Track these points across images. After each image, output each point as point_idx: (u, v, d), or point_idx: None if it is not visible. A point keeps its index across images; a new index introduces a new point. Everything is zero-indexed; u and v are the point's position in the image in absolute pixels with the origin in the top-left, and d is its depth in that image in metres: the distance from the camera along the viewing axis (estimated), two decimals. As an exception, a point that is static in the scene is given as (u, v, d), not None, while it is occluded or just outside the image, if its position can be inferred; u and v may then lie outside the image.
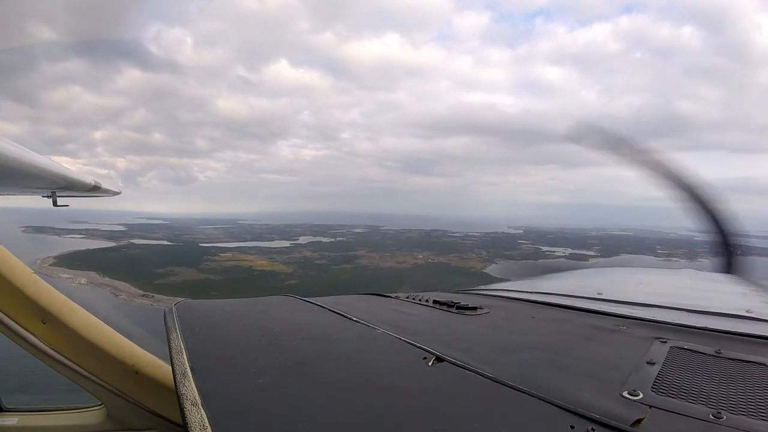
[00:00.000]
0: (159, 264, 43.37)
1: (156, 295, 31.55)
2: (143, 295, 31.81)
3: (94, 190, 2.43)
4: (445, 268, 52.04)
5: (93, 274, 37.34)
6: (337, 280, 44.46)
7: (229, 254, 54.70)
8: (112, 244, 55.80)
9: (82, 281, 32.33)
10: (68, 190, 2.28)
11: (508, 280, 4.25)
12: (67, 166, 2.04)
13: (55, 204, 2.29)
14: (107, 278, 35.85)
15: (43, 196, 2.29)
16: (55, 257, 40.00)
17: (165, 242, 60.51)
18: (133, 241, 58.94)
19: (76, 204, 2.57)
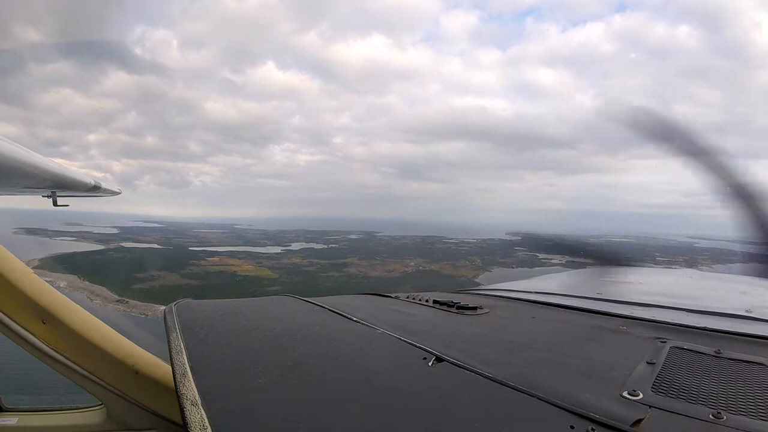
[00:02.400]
0: (143, 268, 42.62)
1: (131, 301, 30.89)
2: (118, 301, 31.16)
3: (94, 189, 2.43)
4: (435, 276, 51.56)
5: (74, 277, 36.55)
6: (321, 288, 43.75)
7: (216, 258, 53.92)
8: (101, 247, 54.65)
9: (62, 285, 31.52)
10: (68, 189, 2.28)
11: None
12: (67, 166, 2.04)
13: (55, 204, 2.29)
14: (86, 282, 35.09)
15: (43, 196, 2.28)
16: (40, 260, 38.96)
17: (155, 246, 59.44)
18: (122, 244, 57.79)
19: (75, 206, 2.56)
